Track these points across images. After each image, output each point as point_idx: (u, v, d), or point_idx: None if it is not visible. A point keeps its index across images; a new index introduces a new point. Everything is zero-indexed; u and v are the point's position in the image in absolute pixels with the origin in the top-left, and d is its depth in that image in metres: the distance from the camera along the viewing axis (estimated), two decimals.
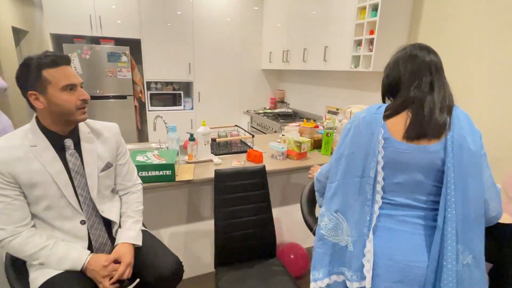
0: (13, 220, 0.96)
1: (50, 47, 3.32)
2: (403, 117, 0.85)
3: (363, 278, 0.86)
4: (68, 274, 1.00)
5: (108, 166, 1.16)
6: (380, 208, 0.88)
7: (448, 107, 0.84)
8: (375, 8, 2.15)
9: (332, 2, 2.60)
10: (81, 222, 1.08)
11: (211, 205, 1.84)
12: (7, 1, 3.89)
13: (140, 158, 1.52)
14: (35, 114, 1.03)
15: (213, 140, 2.05)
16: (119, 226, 1.18)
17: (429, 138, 0.82)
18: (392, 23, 2.15)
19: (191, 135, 1.78)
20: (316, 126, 2.33)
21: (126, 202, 1.25)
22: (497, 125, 1.74)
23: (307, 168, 1.84)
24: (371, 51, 2.21)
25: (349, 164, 0.91)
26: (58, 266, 0.99)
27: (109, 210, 1.16)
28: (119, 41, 3.49)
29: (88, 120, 1.13)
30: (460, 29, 1.92)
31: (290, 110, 3.92)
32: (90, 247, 1.10)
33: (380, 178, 0.87)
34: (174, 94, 3.89)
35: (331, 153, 2.02)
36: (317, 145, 2.20)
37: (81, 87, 1.03)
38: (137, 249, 1.15)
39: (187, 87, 4.09)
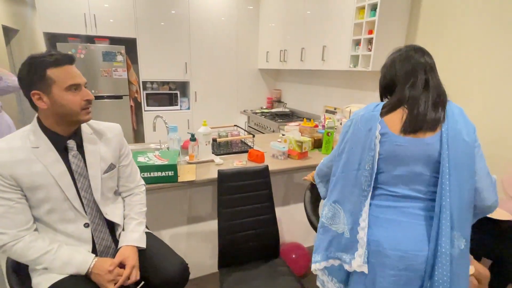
0: (15, 224, 0.93)
1: (43, 46, 3.25)
2: (400, 113, 0.91)
3: (365, 262, 0.93)
4: (73, 279, 0.97)
5: (111, 167, 1.14)
6: (383, 200, 0.94)
7: (442, 103, 0.90)
8: (374, 8, 2.16)
9: (330, 2, 2.61)
10: (84, 225, 1.05)
11: (213, 205, 1.82)
12: None
13: (141, 159, 1.49)
14: (36, 115, 1.00)
15: (214, 140, 2.03)
16: (123, 229, 1.16)
17: (425, 131, 0.88)
18: (391, 23, 2.16)
19: (192, 135, 1.77)
20: (316, 126, 2.33)
21: (129, 204, 1.23)
22: (495, 125, 1.77)
23: (308, 168, 1.85)
24: (370, 50, 2.22)
25: (348, 159, 0.98)
26: (62, 270, 0.97)
27: (113, 213, 1.14)
28: (114, 40, 3.44)
29: (90, 121, 1.11)
30: (458, 29, 1.94)
31: (287, 110, 3.92)
32: (94, 251, 1.07)
33: (374, 170, 0.92)
34: (170, 94, 3.85)
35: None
36: (317, 144, 2.21)
37: (85, 87, 1.01)
38: (142, 252, 1.13)
39: (183, 87, 4.06)
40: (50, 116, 0.97)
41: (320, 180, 1.28)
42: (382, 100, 1.05)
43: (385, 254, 0.89)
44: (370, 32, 2.20)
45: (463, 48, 1.92)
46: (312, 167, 1.84)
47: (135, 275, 1.04)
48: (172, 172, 1.47)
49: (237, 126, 2.32)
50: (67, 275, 0.97)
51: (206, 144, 1.80)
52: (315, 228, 1.26)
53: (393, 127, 0.91)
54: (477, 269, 1.23)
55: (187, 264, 1.16)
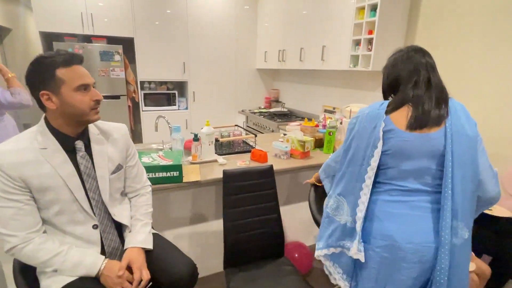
0: (24, 226, 0.92)
1: (37, 45, 3.21)
2: (405, 111, 0.95)
3: (359, 250, 0.98)
4: (82, 282, 0.97)
5: (118, 168, 1.13)
6: (393, 195, 0.98)
7: (444, 99, 0.95)
8: (374, 8, 2.18)
9: (330, 2, 2.62)
10: (93, 226, 1.04)
11: (216, 205, 1.82)
12: None
13: (145, 159, 1.48)
14: (43, 115, 0.99)
15: (216, 140, 2.03)
16: (129, 230, 1.15)
17: (430, 126, 0.92)
18: (391, 23, 2.19)
19: (195, 135, 1.76)
20: (317, 125, 2.35)
21: (135, 205, 1.22)
22: (494, 124, 1.80)
23: (311, 167, 1.86)
24: (370, 50, 2.24)
25: (354, 155, 1.03)
26: (73, 272, 0.96)
27: (121, 214, 1.13)
28: (111, 40, 3.40)
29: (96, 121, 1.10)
30: (457, 29, 1.97)
31: (285, 110, 3.94)
32: (102, 252, 1.07)
33: (375, 165, 0.96)
34: (168, 94, 3.83)
35: (334, 152, 2.04)
36: (317, 144, 2.22)
37: (93, 87, 1.00)
38: (150, 253, 1.12)
39: (181, 87, 4.03)
40: (59, 116, 0.96)
41: (326, 176, 1.33)
42: (386, 99, 1.09)
43: (399, 247, 0.92)
44: (370, 32, 2.22)
45: (462, 48, 1.96)
46: (314, 167, 1.85)
47: (146, 274, 1.03)
48: (177, 172, 1.47)
49: (238, 126, 2.32)
50: (76, 277, 0.97)
51: (209, 144, 1.80)
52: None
53: (399, 124, 0.94)
54: (479, 265, 1.25)
55: (196, 264, 1.16)
